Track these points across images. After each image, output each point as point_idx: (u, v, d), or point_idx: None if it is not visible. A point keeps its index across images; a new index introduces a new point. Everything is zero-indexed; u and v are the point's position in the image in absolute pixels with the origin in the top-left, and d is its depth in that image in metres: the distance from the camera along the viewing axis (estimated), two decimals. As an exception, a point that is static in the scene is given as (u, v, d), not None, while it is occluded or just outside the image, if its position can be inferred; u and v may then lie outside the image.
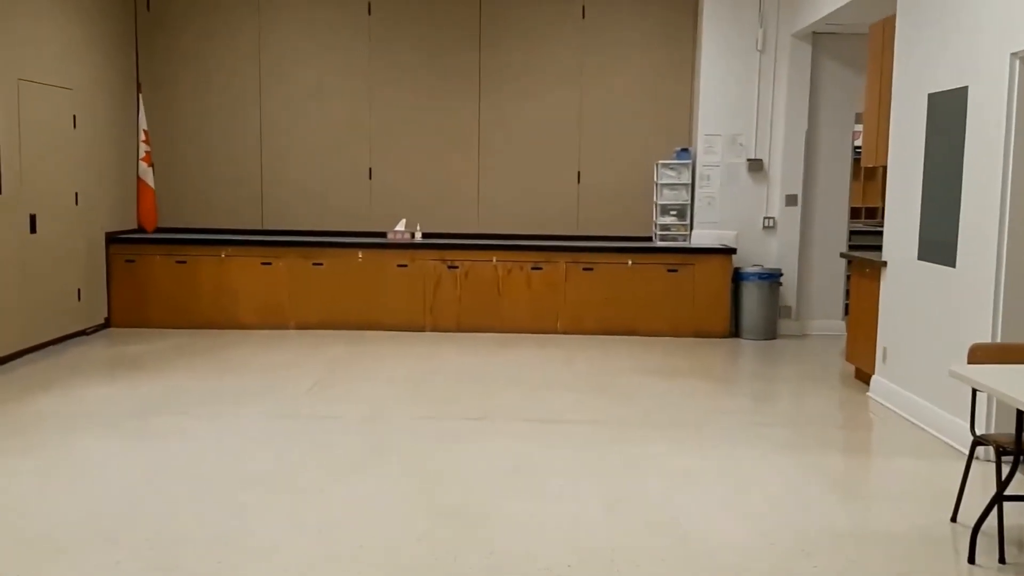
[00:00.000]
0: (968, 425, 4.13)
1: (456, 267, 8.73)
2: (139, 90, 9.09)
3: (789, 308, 8.98)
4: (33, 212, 7.30)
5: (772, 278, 8.69)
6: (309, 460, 4.89)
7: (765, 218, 8.99)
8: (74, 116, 7.93)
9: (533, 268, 8.70)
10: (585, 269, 8.70)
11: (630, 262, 8.70)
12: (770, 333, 8.71)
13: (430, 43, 9.26)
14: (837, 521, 4.15)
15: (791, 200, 8.91)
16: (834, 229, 9.02)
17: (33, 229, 7.31)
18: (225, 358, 7.48)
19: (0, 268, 6.87)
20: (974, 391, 3.90)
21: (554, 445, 5.22)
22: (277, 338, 8.32)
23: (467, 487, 4.50)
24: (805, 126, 8.84)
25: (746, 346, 8.43)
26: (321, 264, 8.72)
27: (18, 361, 7.10)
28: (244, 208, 9.38)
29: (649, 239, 9.16)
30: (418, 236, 8.97)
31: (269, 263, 8.71)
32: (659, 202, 8.97)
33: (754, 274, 8.66)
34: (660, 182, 8.97)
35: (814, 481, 4.70)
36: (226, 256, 8.71)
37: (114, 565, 3.53)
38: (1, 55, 6.86)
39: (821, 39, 8.80)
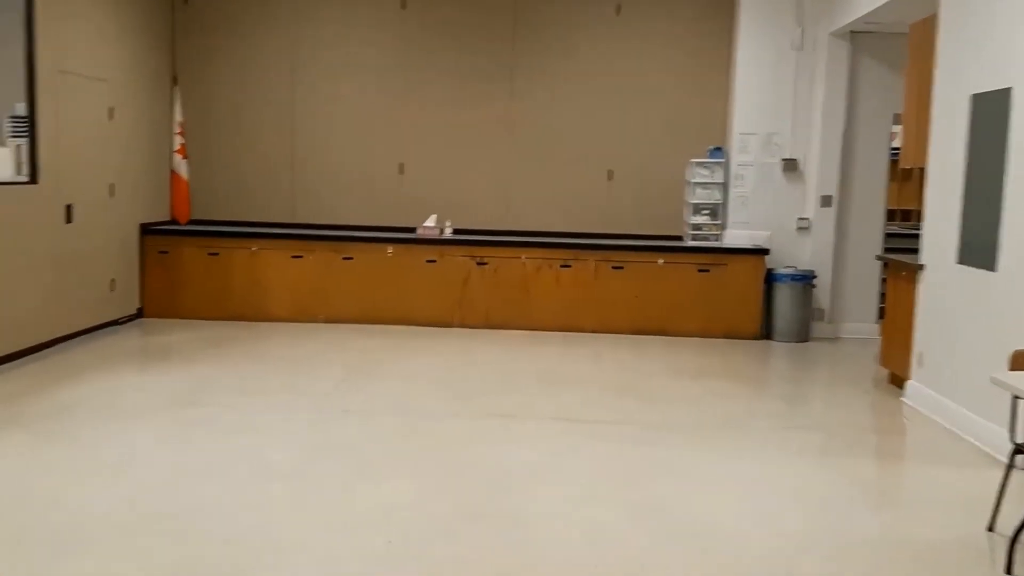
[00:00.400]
0: (1007, 433, 4.04)
1: (485, 263, 8.70)
2: (174, 83, 9.16)
3: (822, 311, 8.86)
4: (69, 202, 7.38)
5: (805, 280, 8.58)
6: (336, 454, 4.89)
7: (799, 219, 8.87)
8: (110, 108, 8.00)
9: (562, 266, 8.66)
10: (615, 268, 8.65)
11: (661, 261, 8.63)
12: (802, 335, 8.60)
13: (464, 38, 9.24)
14: (870, 528, 4.07)
15: (826, 201, 8.78)
16: (869, 231, 8.88)
17: (69, 219, 7.38)
18: (255, 350, 7.51)
19: (36, 258, 6.95)
20: (1015, 398, 3.80)
21: (582, 445, 5.18)
22: (307, 331, 8.35)
23: (494, 486, 4.47)
24: (842, 126, 8.71)
25: (778, 348, 8.33)
26: (351, 258, 8.73)
27: (52, 349, 7.18)
28: (276, 202, 9.42)
29: (680, 238, 9.08)
30: (448, 232, 8.96)
31: (300, 256, 8.74)
32: (691, 201, 8.89)
33: (787, 275, 8.55)
34: (693, 181, 8.89)
35: (847, 487, 4.62)
36: (257, 249, 8.75)
37: (141, 555, 3.54)
38: (43, 47, 6.94)
39: (860, 38, 8.66)
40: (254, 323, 8.63)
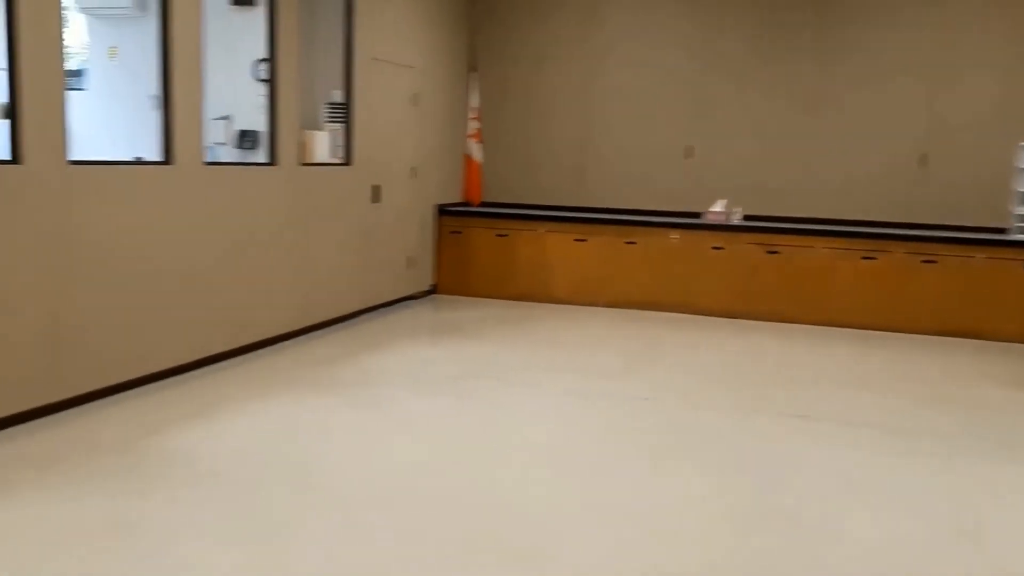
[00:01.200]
0: None
1: (776, 252, 8.23)
2: (472, 70, 9.50)
3: None
4: (377, 183, 7.88)
5: None
6: (617, 442, 4.78)
7: None
8: (415, 94, 8.44)
9: (864, 257, 7.98)
10: (925, 261, 7.83)
11: (980, 256, 7.70)
12: None
13: (761, 18, 8.77)
14: None
15: None
16: None
17: (376, 199, 7.88)
18: (539, 330, 7.63)
19: (347, 234, 7.48)
20: None
21: (891, 458, 4.69)
22: (588, 314, 8.36)
23: (790, 494, 4.15)
24: None
25: None
26: (634, 243, 8.61)
27: (356, 320, 7.72)
28: (564, 185, 9.50)
29: (1005, 230, 8.04)
30: (736, 218, 8.57)
31: (583, 240, 8.76)
32: (1021, 189, 7.84)
33: None
34: (1023, 166, 7.84)
35: None
36: (543, 231, 8.88)
37: (421, 518, 3.63)
38: (360, 36, 7.42)
39: None
40: (538, 304, 8.78)
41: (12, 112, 4.43)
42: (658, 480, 4.22)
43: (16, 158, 4.44)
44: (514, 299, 8.92)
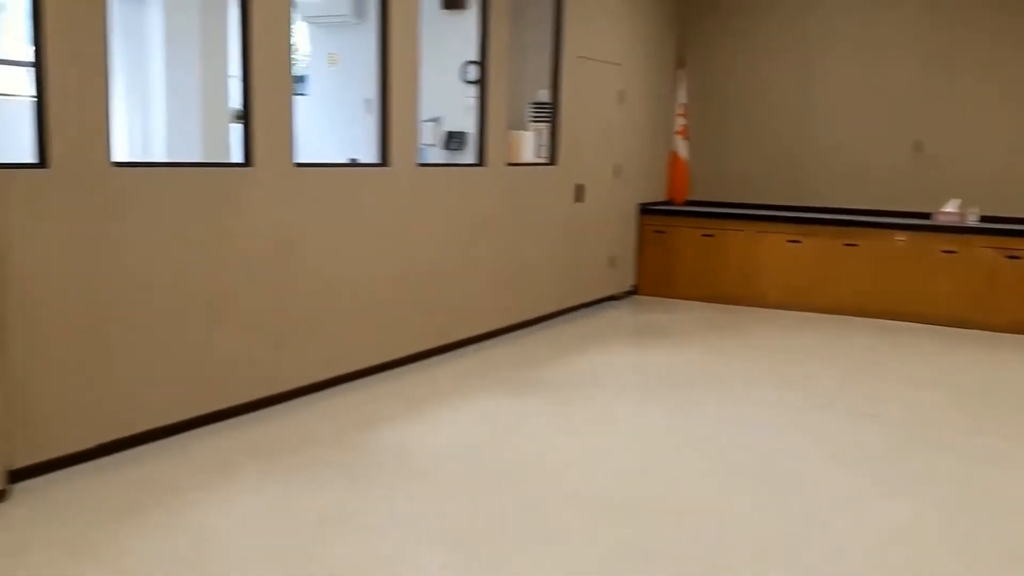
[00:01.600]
0: None
1: (1017, 257, 7.43)
2: (679, 66, 9.21)
3: None
4: (580, 182, 7.79)
5: None
6: (841, 464, 4.41)
7: None
8: (621, 91, 8.28)
9: None
10: None
11: None
12: None
13: (1003, 2, 7.95)
14: None
15: None
16: None
17: (579, 198, 7.80)
18: (748, 336, 7.27)
19: (551, 233, 7.44)
20: None
21: None
22: (802, 321, 7.89)
23: (1054, 529, 3.66)
24: None
25: None
26: (854, 244, 8.03)
27: (557, 320, 7.66)
28: (775, 184, 9.03)
29: None
30: (972, 219, 7.80)
31: (797, 241, 8.27)
32: None
33: None
34: None
35: None
36: (753, 232, 8.48)
37: (634, 531, 3.47)
38: (568, 34, 7.34)
39: None
40: (746, 308, 8.39)
41: (245, 117, 4.68)
42: (886, 507, 3.85)
43: (248, 161, 4.68)
44: (720, 302, 8.57)
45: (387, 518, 3.60)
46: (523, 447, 4.49)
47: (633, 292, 8.99)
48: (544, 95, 7.40)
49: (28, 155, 3.77)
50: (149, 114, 7.22)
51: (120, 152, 4.12)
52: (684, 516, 3.70)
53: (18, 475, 3.73)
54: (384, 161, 5.58)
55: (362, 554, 3.27)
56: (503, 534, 3.47)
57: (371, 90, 5.71)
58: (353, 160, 6.24)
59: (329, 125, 7.44)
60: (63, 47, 3.74)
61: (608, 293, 8.56)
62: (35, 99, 3.74)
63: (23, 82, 6.26)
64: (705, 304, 8.54)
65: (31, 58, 3.73)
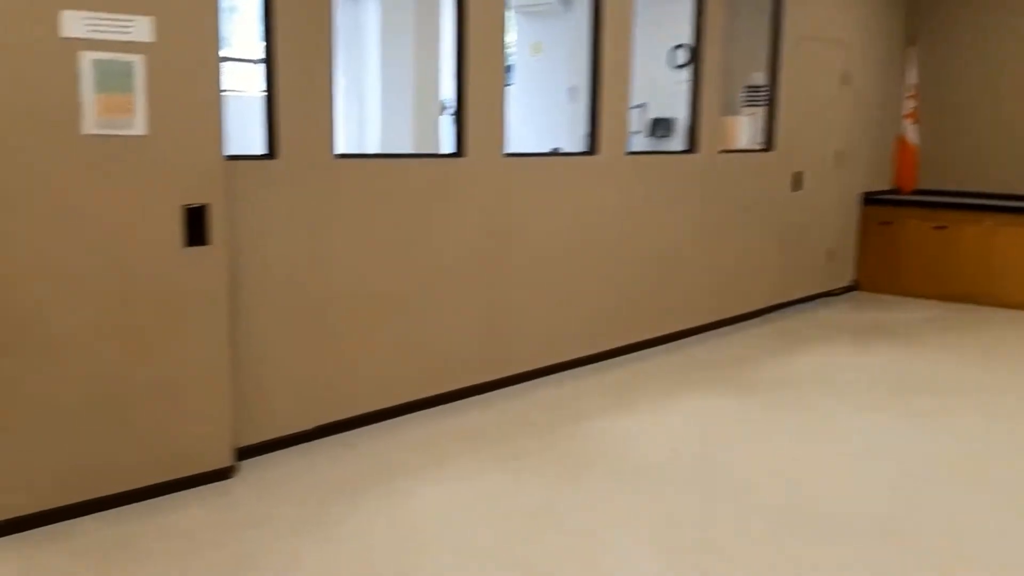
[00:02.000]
0: None
1: None
2: (910, 44, 8.47)
3: None
4: (799, 170, 7.33)
5: None
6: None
7: None
8: (844, 73, 7.72)
9: None
10: None
11: None
12: None
13: None
14: None
15: None
16: None
17: (796, 187, 7.34)
18: (986, 339, 6.58)
19: (765, 223, 7.05)
20: None
21: None
22: (1050, 323, 7.07)
23: None
24: None
25: None
26: (1118, 239, 7.10)
27: (771, 315, 7.26)
28: (1017, 172, 8.12)
29: None
30: None
31: (1046, 235, 7.41)
32: None
33: None
34: None
35: None
36: (992, 224, 7.67)
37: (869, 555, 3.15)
38: (789, 13, 6.92)
39: None
40: (983, 307, 7.61)
41: (458, 108, 4.69)
42: None
43: (460, 151, 4.69)
44: (952, 300, 7.83)
45: (602, 515, 3.48)
46: (740, 452, 4.22)
47: (852, 288, 8.39)
48: (758, 78, 7.01)
49: (258, 147, 3.94)
50: (365, 107, 7.51)
51: (339, 144, 4.22)
52: (942, 545, 3.33)
53: (244, 453, 3.92)
54: (592, 150, 5.45)
55: (573, 555, 3.17)
56: (719, 545, 3.25)
57: (574, 78, 5.61)
58: (556, 150, 6.17)
59: (531, 114, 7.43)
60: (291, 44, 3.88)
61: (825, 289, 8.03)
62: (265, 94, 3.90)
63: (253, 79, 6.66)
64: (935, 302, 7.83)
65: (261, 55, 3.89)
